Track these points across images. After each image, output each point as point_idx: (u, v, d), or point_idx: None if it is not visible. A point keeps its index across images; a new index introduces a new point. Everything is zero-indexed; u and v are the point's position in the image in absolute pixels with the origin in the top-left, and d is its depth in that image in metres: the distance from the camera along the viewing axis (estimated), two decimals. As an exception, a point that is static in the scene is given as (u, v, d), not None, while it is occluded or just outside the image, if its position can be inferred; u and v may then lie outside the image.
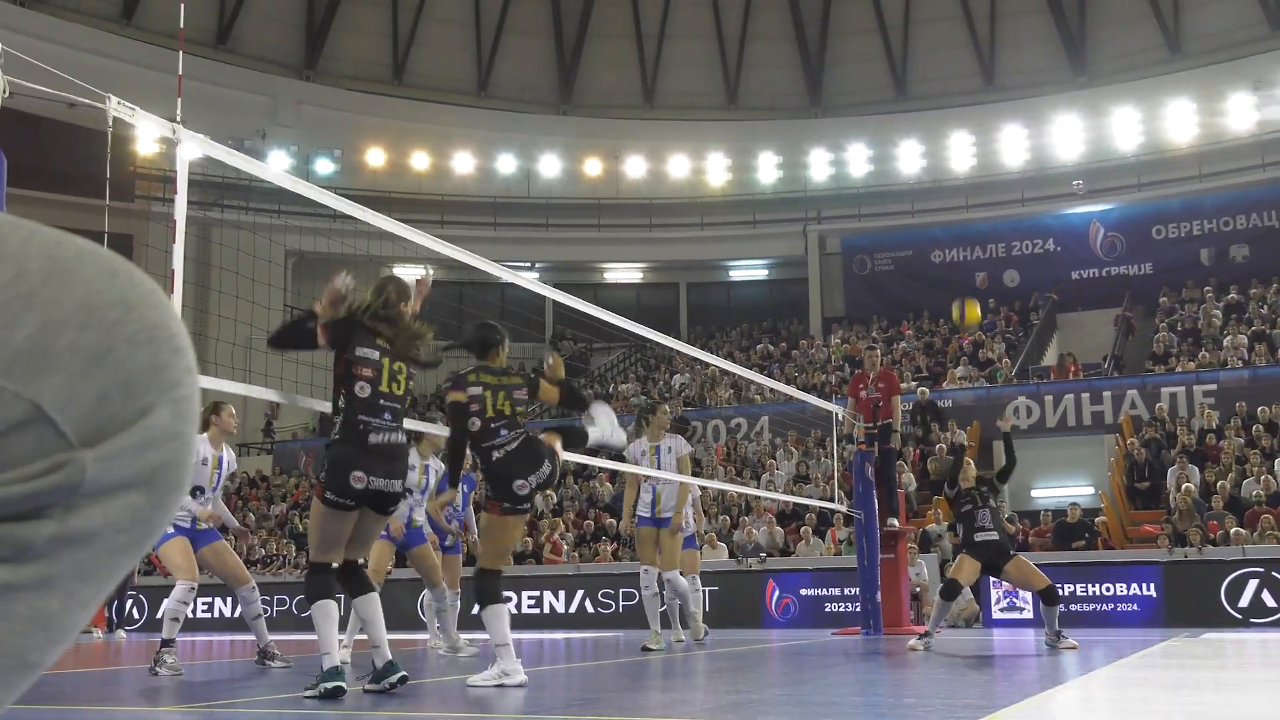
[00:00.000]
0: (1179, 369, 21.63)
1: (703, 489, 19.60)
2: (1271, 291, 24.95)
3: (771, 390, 17.83)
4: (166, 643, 7.61)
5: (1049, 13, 31.48)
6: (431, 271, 6.79)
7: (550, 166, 32.73)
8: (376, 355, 5.60)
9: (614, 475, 21.09)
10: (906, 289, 30.20)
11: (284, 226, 27.65)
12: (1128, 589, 14.88)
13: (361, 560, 6.02)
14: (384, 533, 9.23)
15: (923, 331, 27.67)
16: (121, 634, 17.53)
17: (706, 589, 16.81)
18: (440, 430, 7.32)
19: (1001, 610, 15.25)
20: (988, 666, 7.83)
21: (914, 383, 22.62)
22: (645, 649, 9.56)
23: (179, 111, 5.36)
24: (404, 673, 5.67)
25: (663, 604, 10.48)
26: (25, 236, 0.67)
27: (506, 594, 17.59)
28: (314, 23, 32.58)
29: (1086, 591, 15.02)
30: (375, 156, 31.81)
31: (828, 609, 15.98)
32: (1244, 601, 14.19)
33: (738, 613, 16.22)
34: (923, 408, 20.85)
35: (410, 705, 5.54)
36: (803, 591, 16.20)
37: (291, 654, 8.75)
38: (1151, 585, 14.80)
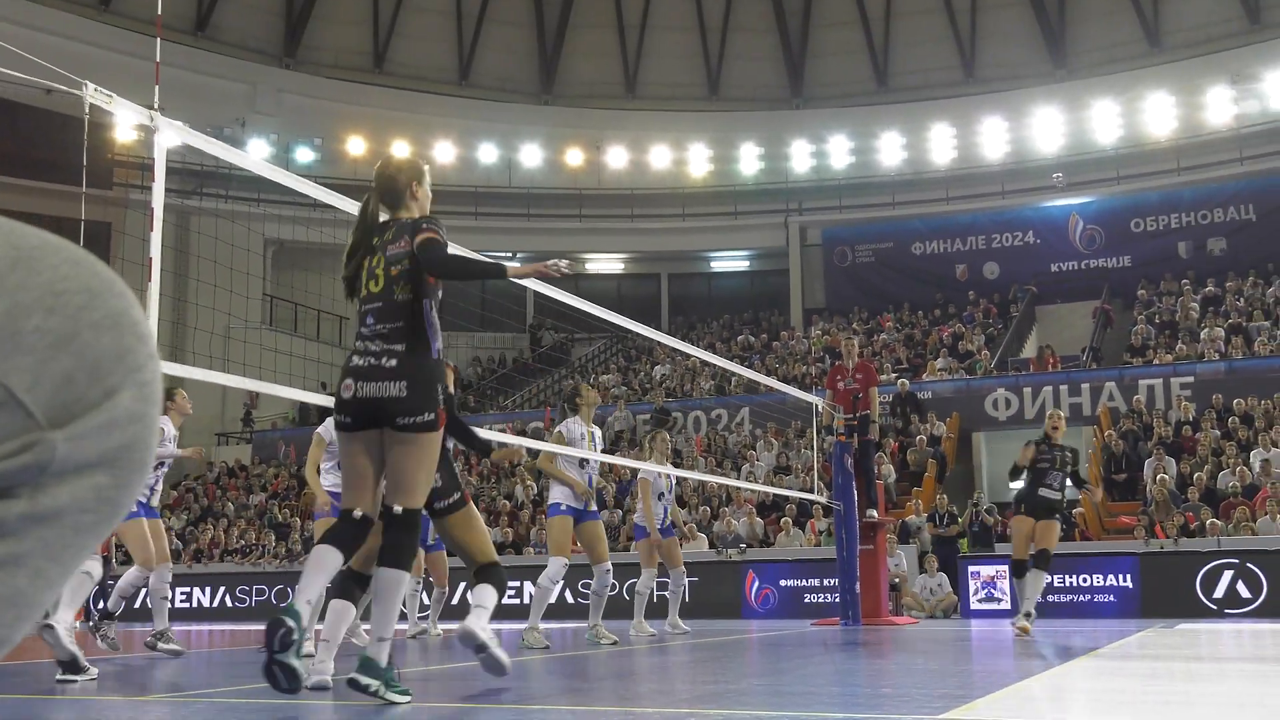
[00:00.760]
0: (1156, 361, 21.77)
1: (683, 480, 19.64)
2: (1248, 285, 25.13)
3: (751, 381, 17.85)
4: (107, 615, 8.00)
5: (1029, 6, 31.57)
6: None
7: (531, 156, 32.67)
8: None
9: (609, 467, 21.08)
10: (887, 281, 30.29)
11: (263, 215, 27.51)
12: (1104, 580, 14.99)
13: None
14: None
15: (903, 323, 27.76)
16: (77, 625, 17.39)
17: (687, 579, 16.88)
18: None
19: (979, 601, 15.34)
20: (965, 656, 7.87)
21: (894, 374, 22.69)
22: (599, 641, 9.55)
23: (157, 99, 5.32)
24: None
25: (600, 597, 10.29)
26: None
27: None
28: (294, 10, 32.40)
29: (1064, 582, 15.12)
30: (356, 145, 31.68)
31: (807, 600, 16.04)
32: (1219, 592, 14.31)
33: (717, 603, 16.26)
34: (902, 399, 20.93)
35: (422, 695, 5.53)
36: (782, 582, 16.25)
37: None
38: (1128, 576, 14.91)
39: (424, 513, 9.81)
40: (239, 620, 18.65)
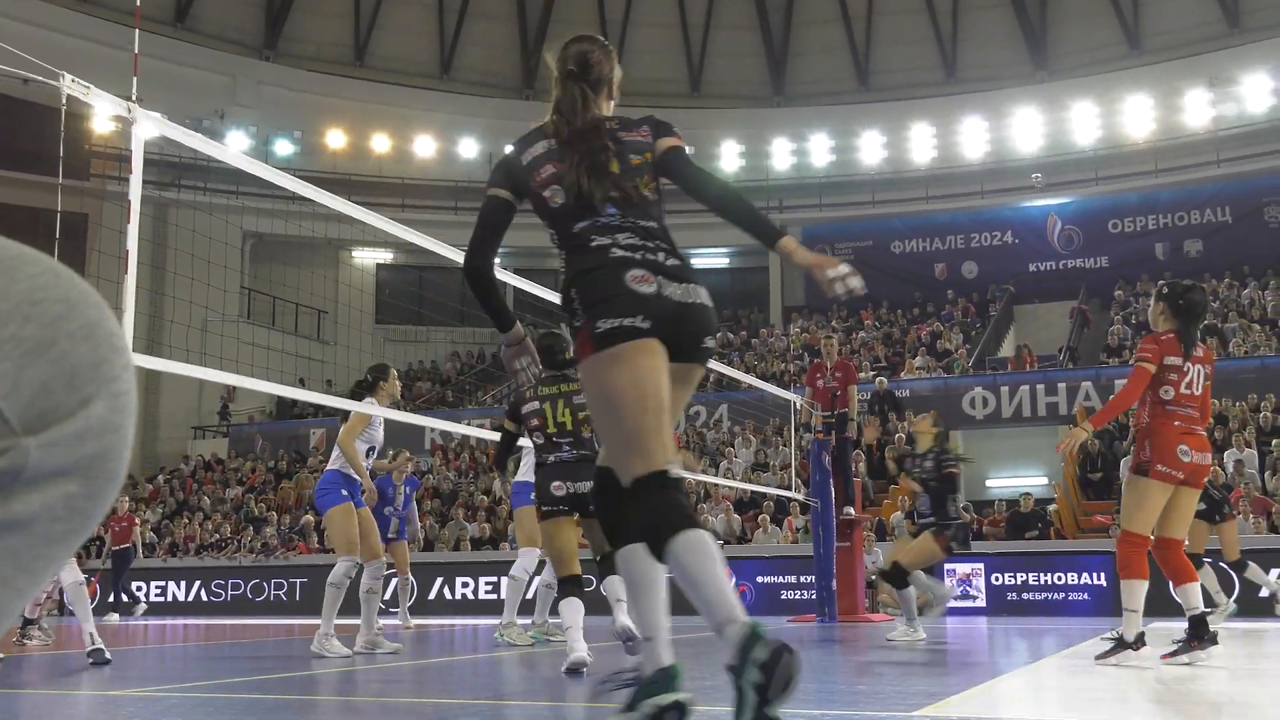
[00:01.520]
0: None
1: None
2: (1224, 286, 25.33)
3: (729, 378, 17.88)
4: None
5: (1010, 7, 31.70)
6: None
7: (512, 151, 32.58)
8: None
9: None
10: (866, 279, 29.54)
11: (242, 208, 27.39)
12: (1079, 578, 15.09)
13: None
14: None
15: (882, 321, 27.86)
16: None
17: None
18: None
19: (955, 599, 15.40)
20: (940, 654, 7.92)
21: (872, 373, 22.77)
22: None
23: (135, 90, 5.29)
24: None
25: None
26: None
27: (464, 579, 17.51)
28: (274, 2, 32.23)
29: (1038, 580, 15.22)
30: (336, 138, 31.54)
31: (784, 596, 16.09)
32: (1192, 591, 14.41)
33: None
34: (881, 397, 21.00)
35: (393, 690, 5.54)
36: (759, 579, 16.29)
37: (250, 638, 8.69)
38: (1102, 575, 15.00)
39: (394, 510, 9.50)
40: (214, 615, 18.57)
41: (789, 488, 14.62)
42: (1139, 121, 29.39)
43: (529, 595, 10.15)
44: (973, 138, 30.80)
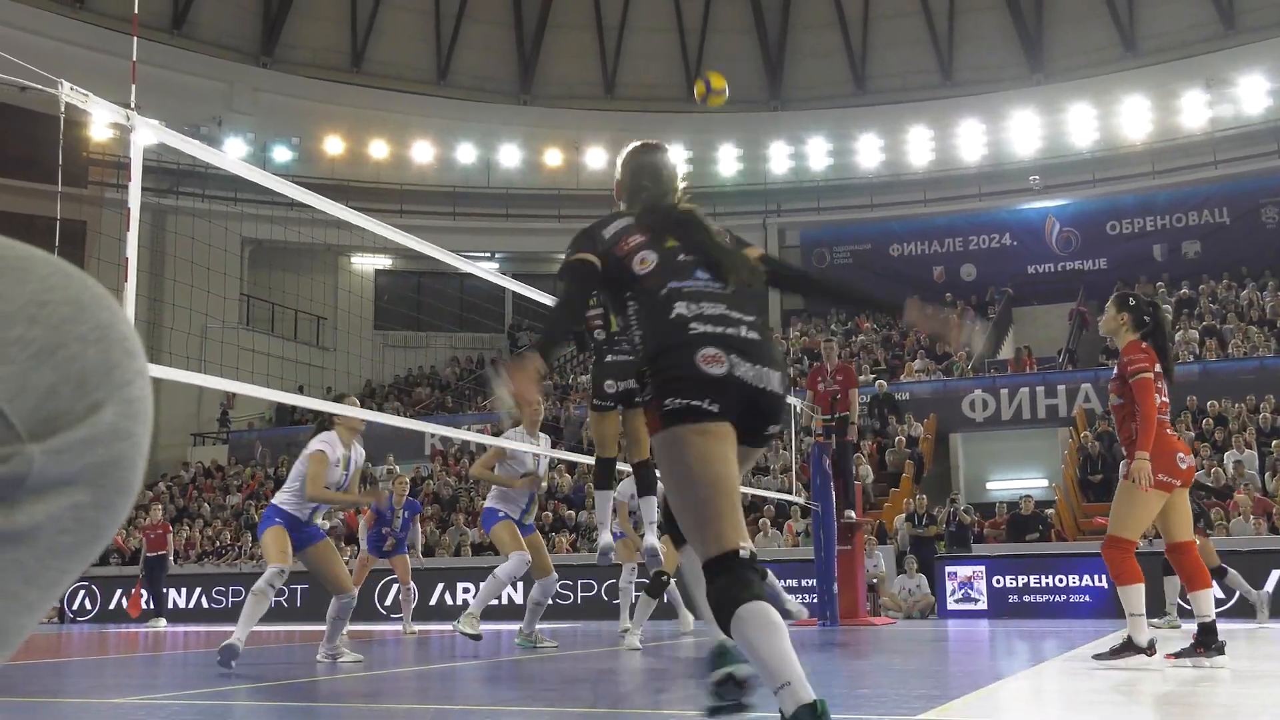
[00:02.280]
0: (1130, 376, 21.88)
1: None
2: (1222, 287, 25.34)
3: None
4: None
5: (1007, 9, 31.73)
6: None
7: (510, 156, 32.61)
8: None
9: (573, 467, 21.08)
10: (865, 282, 30.36)
11: (240, 215, 27.38)
12: (1080, 580, 15.07)
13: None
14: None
15: (881, 325, 27.86)
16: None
17: (671, 579, 16.86)
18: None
19: (956, 601, 15.40)
20: (941, 657, 7.90)
21: (872, 376, 22.77)
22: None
23: (133, 97, 5.29)
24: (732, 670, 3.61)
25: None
26: None
27: (465, 584, 17.50)
28: (271, 9, 32.24)
29: (1039, 583, 15.20)
30: (333, 145, 31.55)
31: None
32: (1193, 593, 14.39)
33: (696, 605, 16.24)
34: (880, 400, 21.00)
35: (370, 697, 5.53)
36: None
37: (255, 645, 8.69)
38: (1103, 577, 14.98)
39: (391, 531, 9.40)
40: (215, 622, 18.54)
41: (790, 491, 14.61)
42: (1136, 123, 29.41)
43: (506, 600, 10.12)
44: (970, 140, 30.82)
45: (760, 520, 17.76)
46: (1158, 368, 6.42)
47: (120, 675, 7.47)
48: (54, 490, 0.65)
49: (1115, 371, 6.48)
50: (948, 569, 15.58)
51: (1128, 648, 6.19)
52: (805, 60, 33.48)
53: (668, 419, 3.03)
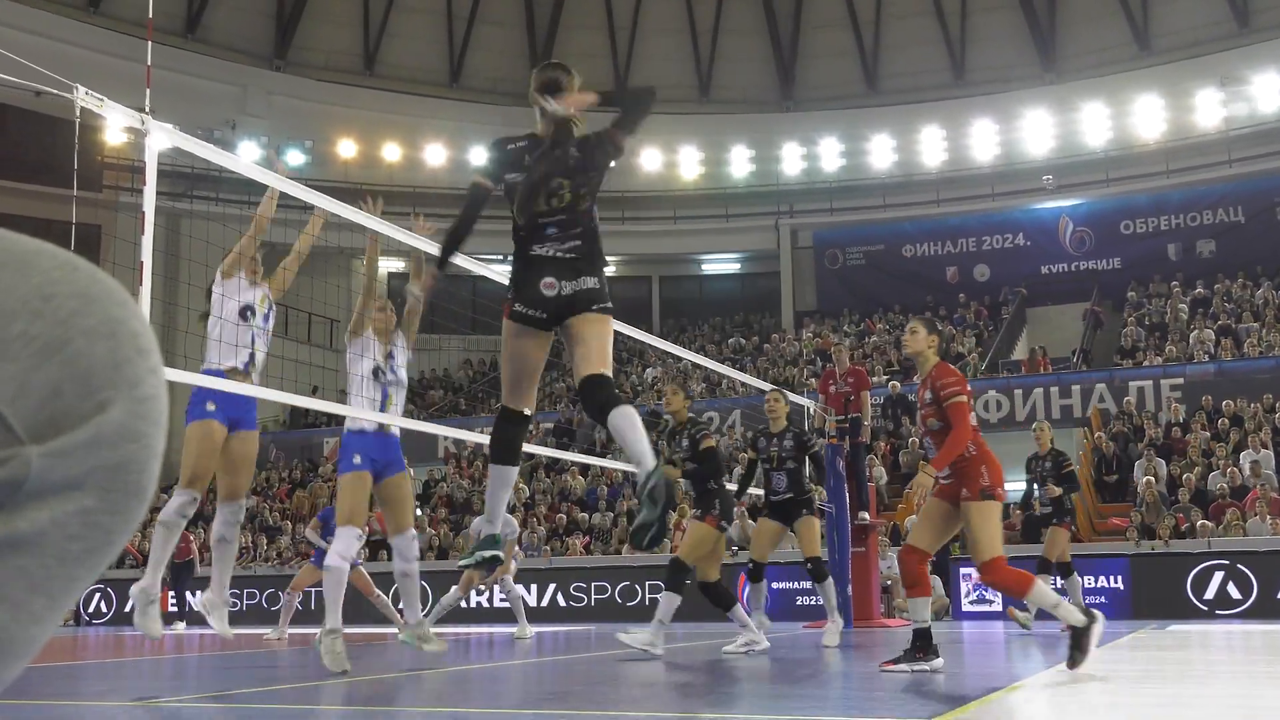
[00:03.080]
0: (1146, 363, 21.83)
1: (675, 482, 19.54)
2: (1237, 286, 25.22)
3: (743, 384, 17.86)
4: None
5: (1019, 8, 31.63)
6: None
7: (522, 159, 32.61)
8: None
9: (585, 469, 21.09)
10: (878, 283, 30.32)
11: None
12: (1095, 581, 15.01)
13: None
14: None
15: (894, 325, 27.80)
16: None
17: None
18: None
19: (971, 603, 15.36)
20: (957, 659, 7.88)
21: (885, 376, 22.72)
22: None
23: (148, 101, 5.31)
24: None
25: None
26: None
27: (479, 586, 17.43)
28: (284, 12, 32.34)
29: (1054, 584, 15.12)
30: (346, 148, 31.62)
31: (799, 602, 16.03)
32: (1210, 594, 14.35)
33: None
34: (893, 401, 20.95)
35: (381, 699, 5.54)
36: (774, 584, 16.24)
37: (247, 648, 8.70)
38: (1119, 578, 14.93)
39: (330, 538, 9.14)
40: (232, 624, 18.58)
41: (803, 493, 14.56)
42: (1150, 122, 29.29)
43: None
44: (983, 140, 30.74)
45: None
46: (969, 386, 6.47)
47: (135, 677, 7.49)
48: (59, 494, 0.61)
49: (928, 397, 6.35)
50: (962, 570, 15.54)
51: (1079, 633, 5.97)
52: (817, 61, 33.43)
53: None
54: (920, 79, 32.44)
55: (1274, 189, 27.59)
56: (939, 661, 6.24)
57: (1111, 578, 14.97)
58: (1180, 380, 20.41)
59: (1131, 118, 29.39)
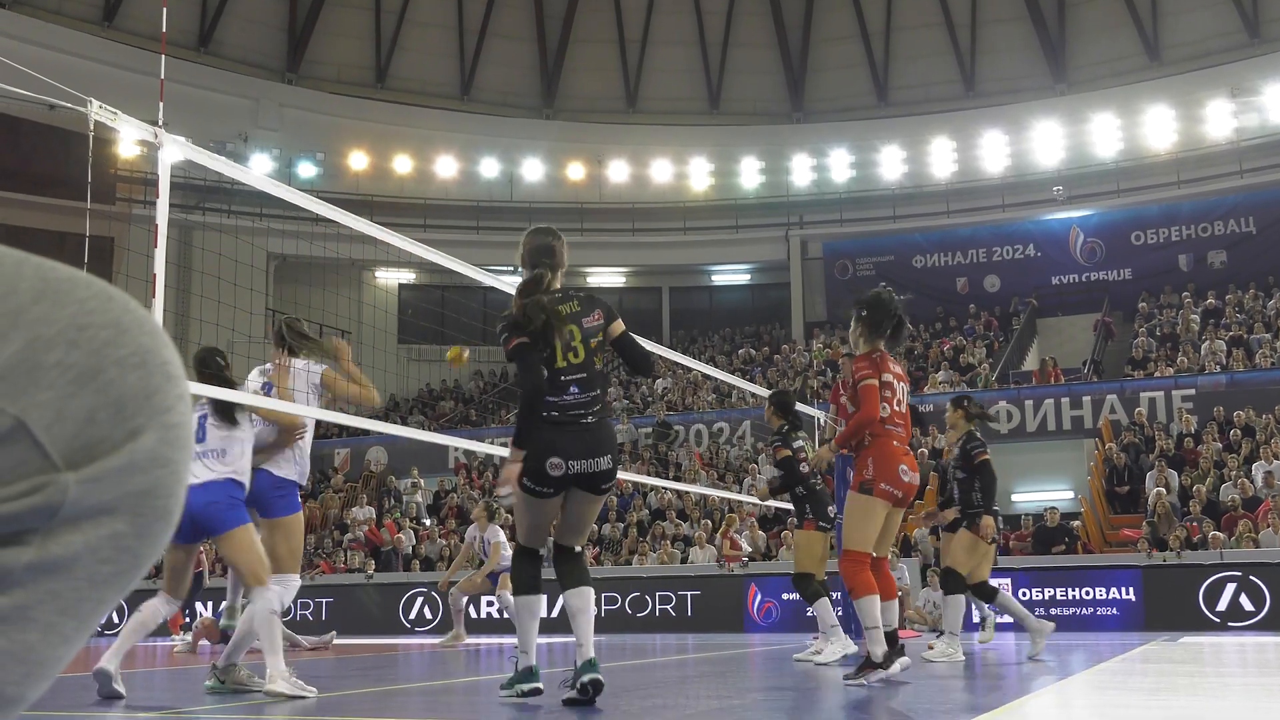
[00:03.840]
0: (1158, 374, 21.76)
1: (684, 494, 19.59)
2: (1248, 297, 25.15)
3: (753, 395, 17.87)
4: None
5: (1029, 20, 31.66)
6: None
7: (533, 170, 32.72)
8: None
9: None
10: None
11: (266, 230, 27.54)
12: (1107, 593, 14.97)
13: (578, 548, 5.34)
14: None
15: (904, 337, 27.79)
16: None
17: (689, 593, 16.87)
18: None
19: (975, 623, 15.29)
20: (969, 671, 7.86)
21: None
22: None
23: (161, 115, 5.35)
24: (597, 675, 4.92)
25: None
26: (19, 260, 0.66)
27: (489, 598, 17.42)
28: (296, 26, 32.50)
29: (1066, 595, 15.09)
30: (358, 160, 31.75)
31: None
32: (1222, 605, 14.29)
33: (719, 617, 16.24)
34: (904, 412, 20.92)
35: (395, 710, 5.54)
36: (784, 596, 16.22)
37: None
38: (1130, 589, 14.88)
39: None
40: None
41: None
42: (1160, 133, 29.26)
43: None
44: (993, 151, 30.74)
45: (784, 533, 17.71)
46: (886, 376, 6.33)
47: (147, 688, 7.50)
48: (92, 519, 0.63)
49: (851, 381, 6.43)
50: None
51: (868, 665, 6.08)
52: (827, 72, 33.48)
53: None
54: (930, 90, 32.46)
55: (1286, 200, 27.53)
56: (905, 660, 6.21)
57: (1123, 589, 14.91)
58: (1192, 391, 20.35)
59: (1142, 128, 29.36)
